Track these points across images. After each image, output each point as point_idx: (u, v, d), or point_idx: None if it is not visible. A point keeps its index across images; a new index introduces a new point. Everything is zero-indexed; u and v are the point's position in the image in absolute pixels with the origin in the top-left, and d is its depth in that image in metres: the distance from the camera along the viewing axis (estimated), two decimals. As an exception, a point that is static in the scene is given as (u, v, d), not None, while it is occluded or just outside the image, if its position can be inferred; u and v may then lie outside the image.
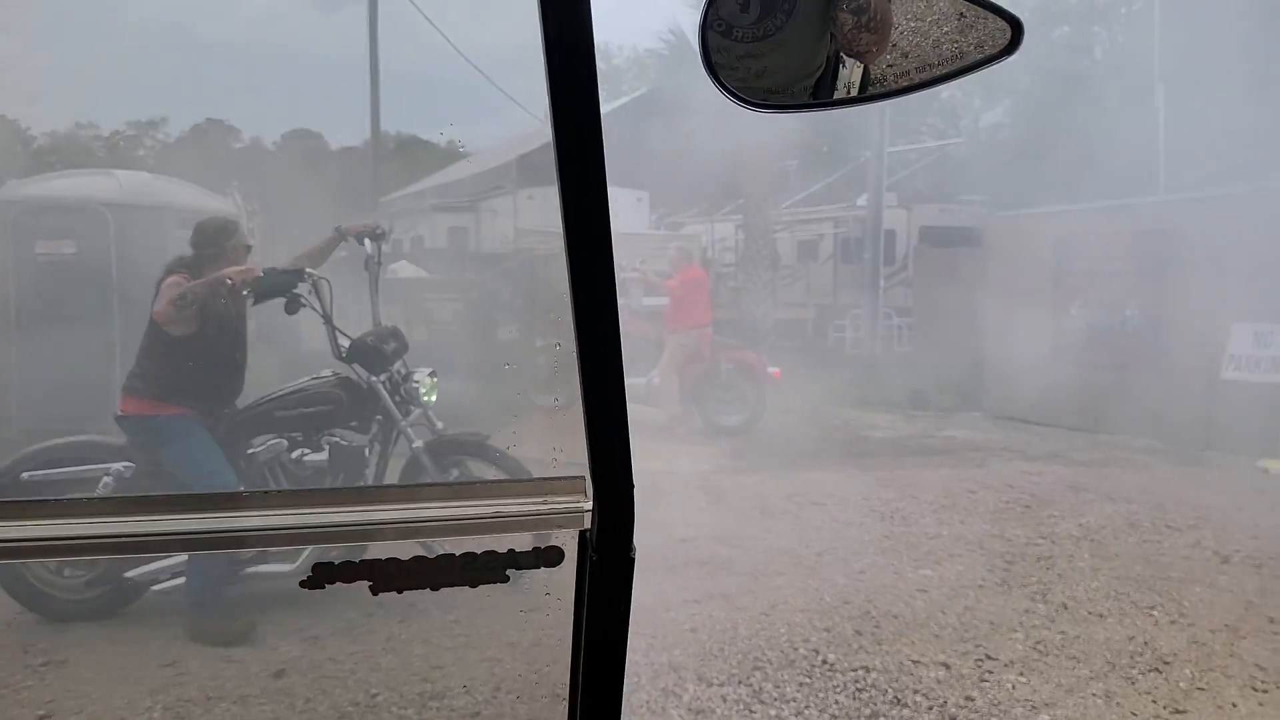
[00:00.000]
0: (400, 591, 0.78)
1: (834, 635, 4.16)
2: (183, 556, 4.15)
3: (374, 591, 0.78)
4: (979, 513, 6.36)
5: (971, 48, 0.81)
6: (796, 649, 4.00)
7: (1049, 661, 3.94)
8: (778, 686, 3.64)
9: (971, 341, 11.63)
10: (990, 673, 3.82)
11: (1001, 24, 0.80)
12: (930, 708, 3.50)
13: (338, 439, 4.39)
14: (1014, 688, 3.68)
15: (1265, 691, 3.73)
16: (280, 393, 4.48)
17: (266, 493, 0.82)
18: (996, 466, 7.96)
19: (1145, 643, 4.16)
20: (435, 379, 4.67)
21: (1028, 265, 10.37)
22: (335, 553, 0.78)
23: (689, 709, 3.44)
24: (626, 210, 13.72)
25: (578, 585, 0.78)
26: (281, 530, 0.83)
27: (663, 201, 18.24)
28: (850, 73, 0.80)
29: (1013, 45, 0.81)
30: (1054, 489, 7.11)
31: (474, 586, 0.78)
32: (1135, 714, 3.50)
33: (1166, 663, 3.96)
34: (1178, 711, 3.54)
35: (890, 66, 0.81)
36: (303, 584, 0.77)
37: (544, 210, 13.60)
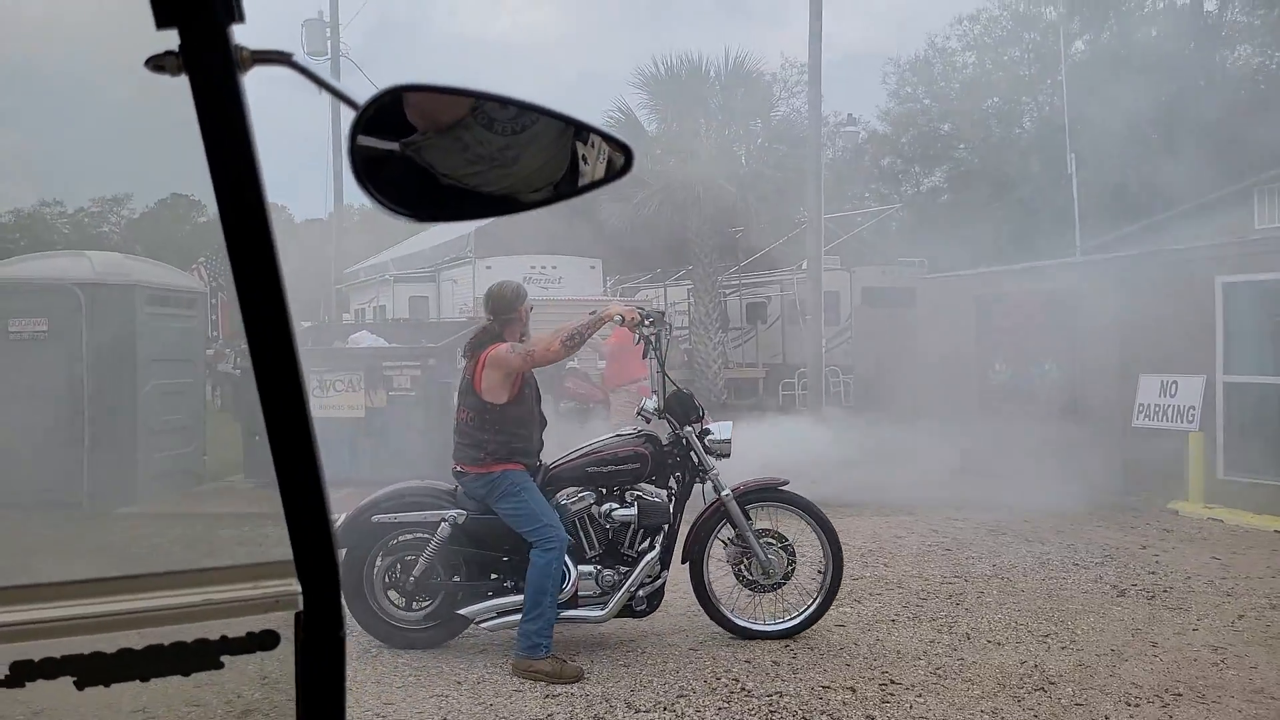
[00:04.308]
0: (108, 685, 0.75)
1: (754, 665, 4.58)
2: (513, 595, 4.50)
3: (79, 687, 0.75)
4: (902, 556, 6.82)
5: (602, 168, 1.00)
6: (719, 678, 4.41)
7: (946, 684, 4.37)
8: (698, 711, 4.04)
9: (909, 397, 12.21)
10: (892, 695, 4.24)
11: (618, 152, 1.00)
12: (834, 725, 3.92)
13: (641, 493, 4.72)
14: (911, 707, 4.11)
15: (1138, 705, 4.17)
16: (589, 449, 4.79)
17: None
18: (925, 514, 8.42)
19: (1035, 666, 4.60)
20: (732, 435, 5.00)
21: (955, 324, 11.00)
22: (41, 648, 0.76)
23: (617, 732, 3.84)
24: (580, 277, 14.26)
25: (296, 667, 0.78)
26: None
27: (615, 269, 18.86)
28: (592, 168, 0.96)
29: (627, 166, 1.01)
30: (975, 533, 7.59)
31: (187, 675, 0.78)
32: (1016, 726, 3.95)
33: (1052, 683, 4.40)
34: (1055, 723, 3.98)
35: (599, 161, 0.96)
36: (1, 684, 0.74)
37: (502, 278, 14.08)
